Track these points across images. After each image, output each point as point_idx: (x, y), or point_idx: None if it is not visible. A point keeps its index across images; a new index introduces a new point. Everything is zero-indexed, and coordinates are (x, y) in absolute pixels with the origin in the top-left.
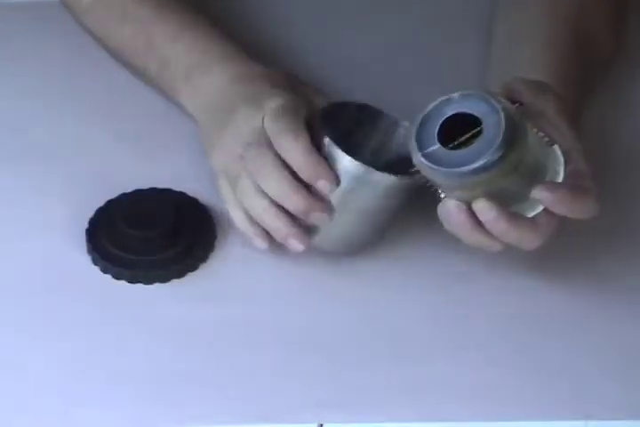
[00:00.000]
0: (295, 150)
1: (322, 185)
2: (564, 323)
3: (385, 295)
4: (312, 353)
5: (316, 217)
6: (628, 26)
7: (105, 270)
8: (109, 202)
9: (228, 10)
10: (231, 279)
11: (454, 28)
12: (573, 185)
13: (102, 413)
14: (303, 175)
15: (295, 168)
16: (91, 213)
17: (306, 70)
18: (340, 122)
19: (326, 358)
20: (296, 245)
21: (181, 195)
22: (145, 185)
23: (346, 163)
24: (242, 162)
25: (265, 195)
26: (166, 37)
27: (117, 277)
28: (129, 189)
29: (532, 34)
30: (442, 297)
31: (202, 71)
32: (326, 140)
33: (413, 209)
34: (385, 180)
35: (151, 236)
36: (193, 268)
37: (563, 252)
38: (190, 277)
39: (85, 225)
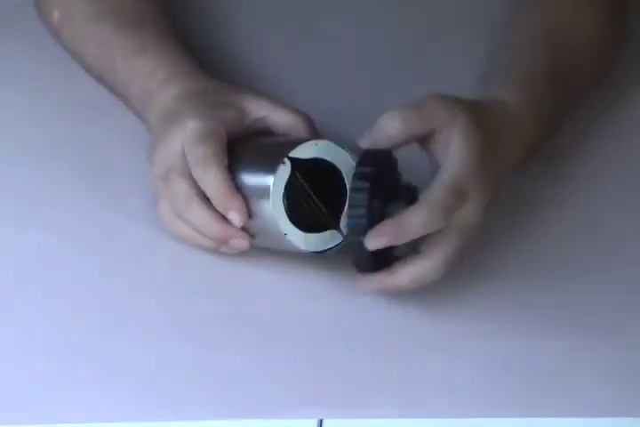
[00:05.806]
0: (208, 180)
1: (232, 217)
2: (561, 322)
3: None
4: (310, 349)
5: (236, 244)
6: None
7: None
8: None
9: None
10: (220, 275)
11: (454, 30)
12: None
13: (93, 408)
14: (215, 205)
15: (209, 197)
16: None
17: (304, 70)
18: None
19: (327, 354)
20: (239, 245)
21: None
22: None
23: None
24: (163, 185)
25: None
26: (122, 62)
27: None
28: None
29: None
30: (437, 296)
31: (150, 102)
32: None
33: None
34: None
35: None
36: None
37: (559, 252)
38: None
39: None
